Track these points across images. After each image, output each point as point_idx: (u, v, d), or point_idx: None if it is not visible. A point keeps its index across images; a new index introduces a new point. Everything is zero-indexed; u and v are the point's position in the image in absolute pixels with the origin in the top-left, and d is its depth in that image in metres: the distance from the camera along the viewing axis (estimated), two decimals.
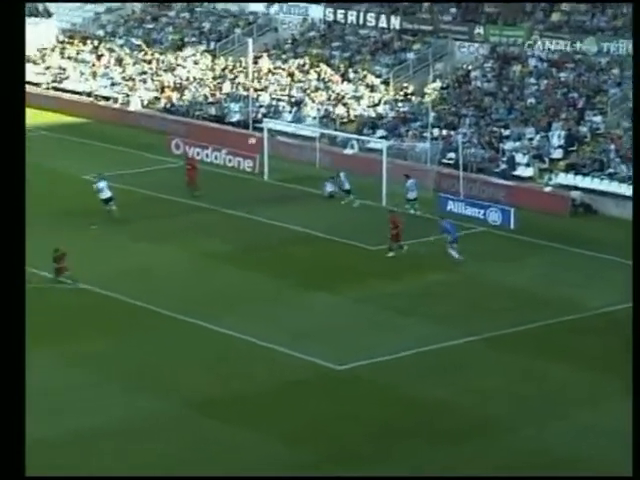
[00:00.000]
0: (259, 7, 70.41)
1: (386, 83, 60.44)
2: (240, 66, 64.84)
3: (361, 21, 65.91)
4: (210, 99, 63.05)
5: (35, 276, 36.25)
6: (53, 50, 71.87)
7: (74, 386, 30.67)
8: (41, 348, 32.57)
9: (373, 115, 57.92)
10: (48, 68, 69.66)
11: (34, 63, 70.79)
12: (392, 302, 37.36)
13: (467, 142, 52.51)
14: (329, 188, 49.07)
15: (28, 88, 67.51)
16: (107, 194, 45.58)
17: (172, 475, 25.94)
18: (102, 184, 45.80)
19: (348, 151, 55.50)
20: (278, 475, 25.82)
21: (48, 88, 68.13)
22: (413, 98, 58.56)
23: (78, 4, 76.84)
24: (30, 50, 71.37)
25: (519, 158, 51.34)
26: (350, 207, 48.55)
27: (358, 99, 59.45)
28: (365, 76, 61.37)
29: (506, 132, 53.18)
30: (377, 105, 58.78)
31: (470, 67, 59.52)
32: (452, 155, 52.09)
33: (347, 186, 48.76)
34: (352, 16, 66.24)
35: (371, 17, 65.41)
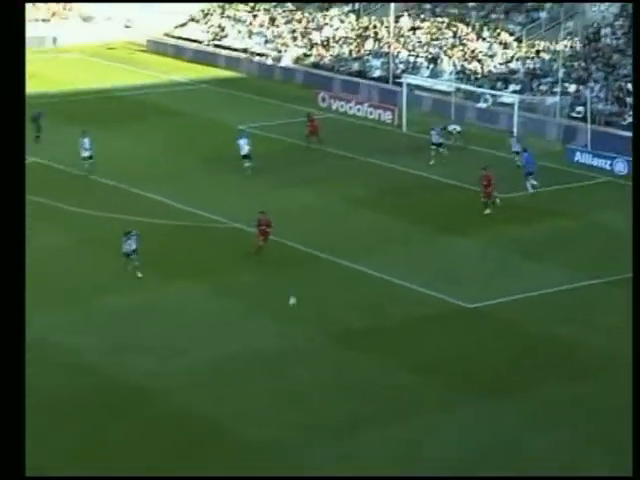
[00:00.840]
0: None
1: (519, 40, 59.29)
2: (382, 25, 64.35)
3: None
4: (354, 55, 62.79)
5: (195, 216, 36.86)
6: (214, 10, 72.41)
7: (230, 314, 31.17)
8: (199, 280, 33.24)
9: (506, 71, 56.93)
10: (211, 27, 70.24)
11: (197, 22, 71.47)
12: (520, 246, 36.88)
13: (595, 96, 51.24)
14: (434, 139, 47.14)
15: (192, 45, 68.69)
16: (245, 150, 44.52)
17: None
18: (242, 141, 44.88)
19: (481, 104, 54.69)
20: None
21: (209, 45, 68.73)
22: (544, 55, 57.35)
23: None
24: (194, 11, 72.15)
25: None
26: (481, 159, 47.89)
27: (492, 56, 58.49)
28: (499, 34, 60.34)
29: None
30: (510, 61, 57.74)
31: (600, 25, 57.90)
32: (580, 109, 50.94)
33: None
34: None
35: None
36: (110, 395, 26.48)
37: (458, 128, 48.70)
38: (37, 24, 71.87)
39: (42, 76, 62.40)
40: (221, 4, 72.71)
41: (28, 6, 72.49)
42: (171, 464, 23.47)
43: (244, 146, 44.40)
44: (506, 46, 59.22)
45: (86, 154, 43.59)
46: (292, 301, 30.98)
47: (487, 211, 39.77)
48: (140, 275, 33.08)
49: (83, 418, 25.36)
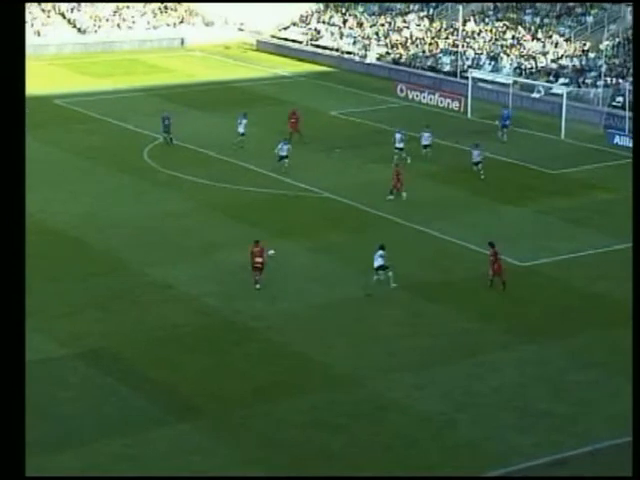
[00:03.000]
0: None
1: (568, 41, 57.93)
2: (451, 27, 63.36)
3: None
4: (427, 53, 61.98)
5: (295, 187, 36.89)
6: (313, 16, 72.05)
7: (322, 268, 31.20)
8: (297, 239, 33.33)
9: (556, 67, 55.70)
10: (309, 30, 69.92)
11: (298, 26, 71.23)
12: (567, 214, 36.20)
13: (632, 89, 49.82)
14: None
15: (292, 44, 68.55)
16: (283, 152, 41.17)
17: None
18: (284, 146, 40.84)
19: (535, 95, 53.66)
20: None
21: (307, 44, 68.49)
22: (590, 53, 55.95)
23: None
24: (295, 17, 71.86)
25: None
26: (534, 141, 47.04)
27: (544, 54, 57.24)
28: (551, 35, 58.99)
29: None
30: (560, 59, 56.46)
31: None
32: (620, 99, 49.71)
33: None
34: None
35: None
36: (225, 332, 26.78)
37: (427, 141, 43.05)
38: (168, 28, 72.36)
39: (173, 70, 62.95)
40: (317, 10, 72.29)
41: (159, 12, 73.05)
42: (273, 391, 23.68)
43: (283, 148, 41.28)
44: (557, 45, 57.95)
45: (241, 131, 43.80)
46: (271, 252, 29.68)
47: (390, 197, 36.79)
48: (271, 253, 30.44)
49: (204, 350, 25.71)
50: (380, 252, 29.16)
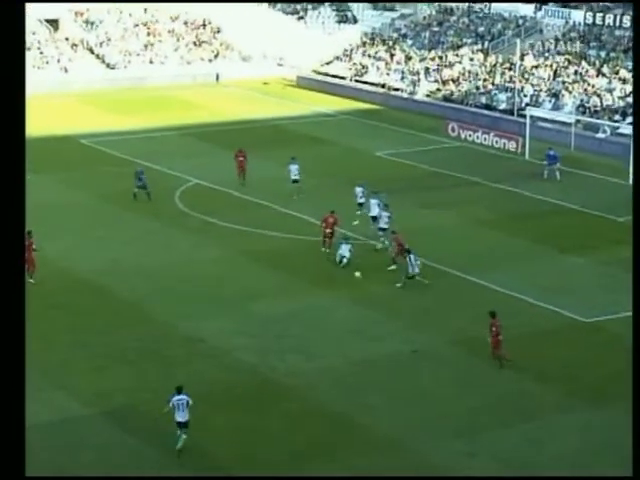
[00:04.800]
0: (528, 11, 68.93)
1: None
2: (508, 62, 63.76)
3: (617, 23, 63.44)
4: (482, 90, 62.37)
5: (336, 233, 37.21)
6: (357, 49, 72.98)
7: (364, 321, 31.35)
8: (338, 290, 33.51)
9: (624, 104, 55.68)
10: (353, 64, 70.79)
11: (341, 60, 72.12)
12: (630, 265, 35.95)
13: None
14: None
15: (335, 80, 69.35)
16: (295, 176, 43.22)
17: None
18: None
19: (600, 135, 53.66)
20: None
21: (351, 80, 69.28)
22: None
23: (379, 11, 77.44)
24: (338, 51, 72.80)
25: None
26: (599, 185, 46.99)
27: (610, 91, 57.30)
28: (618, 71, 59.06)
29: None
30: (628, 96, 56.47)
31: None
32: None
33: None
34: (609, 19, 64.01)
35: (626, 19, 62.78)
36: (259, 390, 26.96)
37: (295, 175, 43.30)
38: (202, 63, 73.69)
39: (207, 107, 63.97)
40: (362, 43, 73.16)
41: (193, 46, 74.41)
42: (310, 455, 23.75)
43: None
44: (625, 82, 57.98)
45: (295, 178, 43.65)
46: (357, 274, 31.92)
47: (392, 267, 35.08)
48: (357, 274, 34.50)
49: (237, 409, 25.89)
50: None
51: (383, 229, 37.61)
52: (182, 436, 23.68)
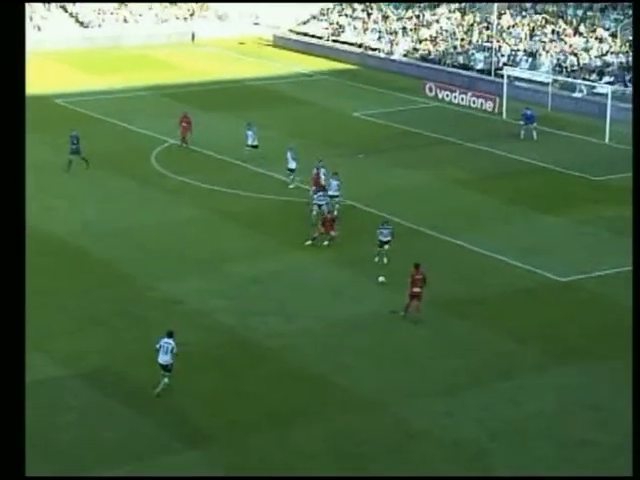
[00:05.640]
0: None
1: (614, 36, 57.64)
2: (485, 21, 63.28)
3: None
4: (459, 49, 61.92)
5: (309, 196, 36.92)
6: (334, 9, 72.22)
7: (342, 282, 31.12)
8: (314, 250, 33.29)
9: (600, 64, 55.43)
10: (330, 24, 70.06)
11: (318, 19, 71.35)
12: (611, 225, 35.95)
13: None
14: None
15: (312, 40, 68.67)
16: (253, 141, 42.56)
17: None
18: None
19: (577, 94, 53.45)
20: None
21: (328, 40, 68.59)
22: None
23: None
24: (315, 10, 72.03)
25: None
26: (576, 145, 46.85)
27: (587, 50, 56.99)
28: (595, 30, 58.74)
29: None
30: (604, 55, 56.20)
31: None
32: None
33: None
34: None
35: None
36: (238, 352, 26.76)
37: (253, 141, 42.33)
38: (177, 22, 72.71)
39: (183, 67, 63.21)
40: (339, 3, 72.42)
41: (168, 5, 73.43)
42: (289, 416, 23.62)
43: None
44: (601, 41, 57.68)
45: (251, 143, 42.70)
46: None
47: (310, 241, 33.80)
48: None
49: (216, 371, 25.68)
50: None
51: (334, 196, 36.12)
52: (163, 380, 23.91)
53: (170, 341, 24.22)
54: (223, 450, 22.21)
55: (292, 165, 39.59)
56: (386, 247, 31.93)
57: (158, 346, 24.25)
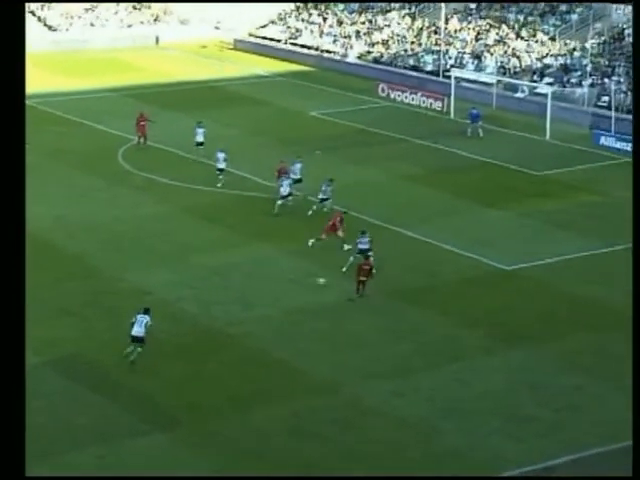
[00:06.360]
0: None
1: (553, 39, 58.31)
2: (434, 25, 63.63)
3: None
4: (409, 52, 62.20)
5: (270, 188, 36.87)
6: (291, 14, 72.17)
7: (298, 272, 31.19)
8: (272, 242, 33.34)
9: (541, 66, 56.06)
10: (288, 28, 70.00)
11: (276, 24, 71.27)
12: (551, 217, 36.41)
13: (618, 88, 50.26)
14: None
15: (271, 43, 68.58)
16: (200, 139, 42.27)
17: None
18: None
19: (519, 95, 53.97)
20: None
21: (286, 43, 68.54)
22: (575, 52, 56.36)
23: None
24: (273, 15, 71.92)
25: None
26: (518, 142, 47.33)
27: (529, 52, 57.59)
28: (535, 34, 59.36)
29: None
30: (545, 57, 56.82)
31: (624, 26, 56.67)
32: (605, 99, 50.10)
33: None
34: None
35: None
36: (202, 339, 26.78)
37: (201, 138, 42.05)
38: (142, 26, 72.28)
39: (147, 69, 62.85)
40: (296, 8, 72.37)
41: (133, 10, 72.95)
42: (250, 399, 23.71)
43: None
44: (542, 44, 58.31)
45: (200, 140, 42.53)
46: (321, 281, 30.10)
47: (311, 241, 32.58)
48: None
49: (181, 357, 25.69)
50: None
51: (287, 195, 36.02)
52: (137, 349, 24.44)
53: (146, 316, 24.50)
54: (187, 432, 22.25)
55: (222, 165, 39.26)
56: (370, 254, 30.27)
57: (133, 319, 24.47)
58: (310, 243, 32.48)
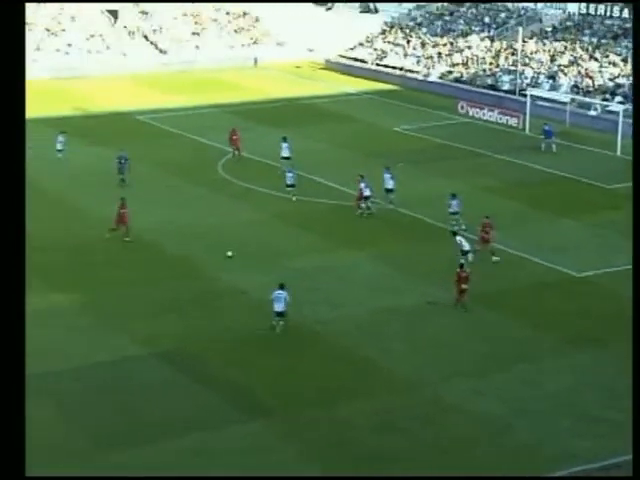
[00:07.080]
0: (529, 2, 67.88)
1: (624, 60, 56.89)
2: (511, 47, 62.78)
3: (608, 13, 62.40)
4: (488, 72, 61.49)
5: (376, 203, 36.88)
6: (378, 37, 72.09)
7: (384, 276, 31.12)
8: (360, 249, 33.31)
9: (613, 85, 54.77)
10: (374, 50, 69.95)
11: (364, 46, 71.29)
12: (621, 228, 35.48)
13: None
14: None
15: (359, 64, 68.60)
16: (285, 154, 41.91)
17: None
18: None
19: (592, 112, 52.82)
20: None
21: (373, 64, 68.51)
22: None
23: (398, 3, 76.41)
24: (361, 38, 71.96)
25: None
26: (591, 157, 46.31)
27: (602, 73, 56.33)
28: (608, 55, 58.03)
29: None
30: (616, 77, 55.51)
31: None
32: None
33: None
34: (601, 9, 63.05)
35: (616, 10, 61.86)
36: (293, 336, 26.87)
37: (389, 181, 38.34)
38: (242, 48, 73.13)
39: (246, 88, 63.52)
40: (382, 31, 72.23)
41: (235, 33, 73.84)
42: (337, 393, 23.68)
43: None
44: (614, 65, 57.00)
45: (286, 155, 42.50)
46: (229, 253, 31.48)
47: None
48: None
49: (275, 352, 25.83)
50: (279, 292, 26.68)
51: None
52: (280, 322, 25.97)
53: (282, 292, 25.76)
54: (280, 421, 22.36)
55: (290, 182, 38.61)
56: (469, 256, 30.39)
57: (272, 297, 25.74)
58: (470, 258, 30.94)
